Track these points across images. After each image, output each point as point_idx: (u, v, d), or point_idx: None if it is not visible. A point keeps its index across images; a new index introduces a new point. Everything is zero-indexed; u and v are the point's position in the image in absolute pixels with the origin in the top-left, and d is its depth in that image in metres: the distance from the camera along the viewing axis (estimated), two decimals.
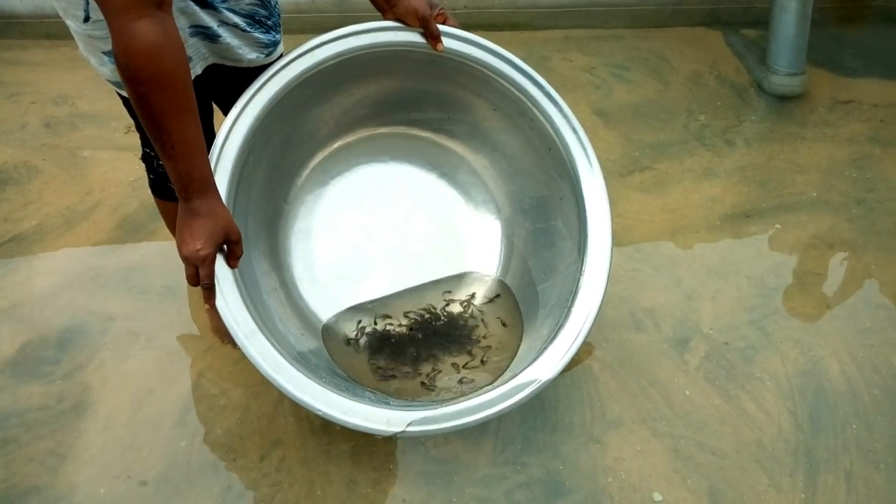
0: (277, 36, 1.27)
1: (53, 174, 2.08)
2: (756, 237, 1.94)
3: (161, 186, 1.44)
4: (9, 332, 1.64)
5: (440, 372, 1.41)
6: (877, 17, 2.95)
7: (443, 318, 1.50)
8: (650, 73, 2.58)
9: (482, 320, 1.50)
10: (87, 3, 1.07)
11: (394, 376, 1.40)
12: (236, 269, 1.16)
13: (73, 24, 1.11)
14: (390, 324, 1.48)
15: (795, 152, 2.23)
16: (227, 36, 1.18)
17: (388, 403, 1.24)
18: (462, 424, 1.17)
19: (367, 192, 1.55)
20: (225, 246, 1.12)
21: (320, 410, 1.13)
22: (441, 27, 1.33)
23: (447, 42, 1.34)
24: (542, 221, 1.50)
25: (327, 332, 1.44)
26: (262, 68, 1.26)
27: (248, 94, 1.24)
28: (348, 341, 1.45)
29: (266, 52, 1.26)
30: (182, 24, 1.12)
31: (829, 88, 2.51)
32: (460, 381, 1.38)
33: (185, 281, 1.09)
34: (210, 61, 1.22)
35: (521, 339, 1.41)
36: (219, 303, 1.13)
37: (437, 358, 1.44)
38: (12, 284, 1.75)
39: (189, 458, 1.40)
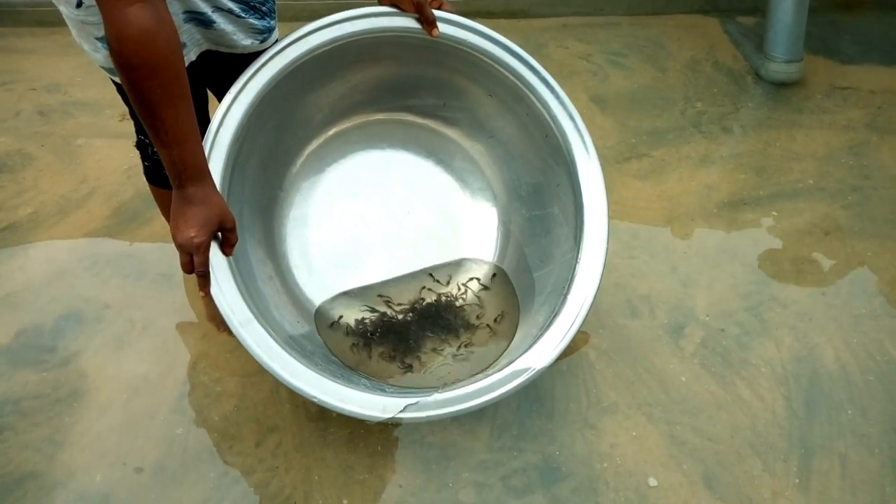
0: (272, 22, 1.26)
1: (48, 162, 2.07)
2: (752, 224, 1.94)
3: (156, 174, 1.44)
4: (4, 319, 1.63)
5: (436, 359, 1.41)
6: (874, 3, 2.93)
7: (439, 304, 1.50)
8: (647, 61, 2.57)
9: (478, 307, 1.50)
10: None
11: (389, 363, 1.40)
12: (231, 257, 1.16)
13: (66, 10, 1.10)
14: (386, 310, 1.48)
15: (792, 139, 2.23)
16: (221, 22, 1.18)
17: (383, 390, 1.24)
18: (458, 410, 1.17)
19: (362, 179, 1.54)
20: (219, 233, 1.11)
21: (316, 397, 1.13)
22: (436, 12, 1.32)
23: (442, 27, 1.33)
24: (539, 208, 1.49)
25: (322, 319, 1.44)
26: (256, 55, 1.25)
27: (241, 80, 1.24)
28: (343, 328, 1.45)
29: (261, 38, 1.25)
30: (175, 9, 1.11)
31: (827, 75, 2.50)
32: (456, 368, 1.38)
33: (180, 269, 1.09)
34: (204, 47, 1.21)
35: (517, 327, 1.41)
36: (213, 290, 1.13)
37: (432, 345, 1.44)
38: (7, 272, 1.75)
39: (185, 444, 1.41)
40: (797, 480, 1.39)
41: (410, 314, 1.48)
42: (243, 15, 1.19)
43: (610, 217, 1.35)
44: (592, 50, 2.62)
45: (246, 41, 1.23)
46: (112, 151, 2.10)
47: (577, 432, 1.45)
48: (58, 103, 2.30)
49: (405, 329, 1.46)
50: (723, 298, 1.74)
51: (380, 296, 1.50)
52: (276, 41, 1.27)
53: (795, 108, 2.36)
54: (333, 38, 1.29)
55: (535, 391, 1.51)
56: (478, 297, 1.52)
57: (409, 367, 1.40)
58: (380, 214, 1.54)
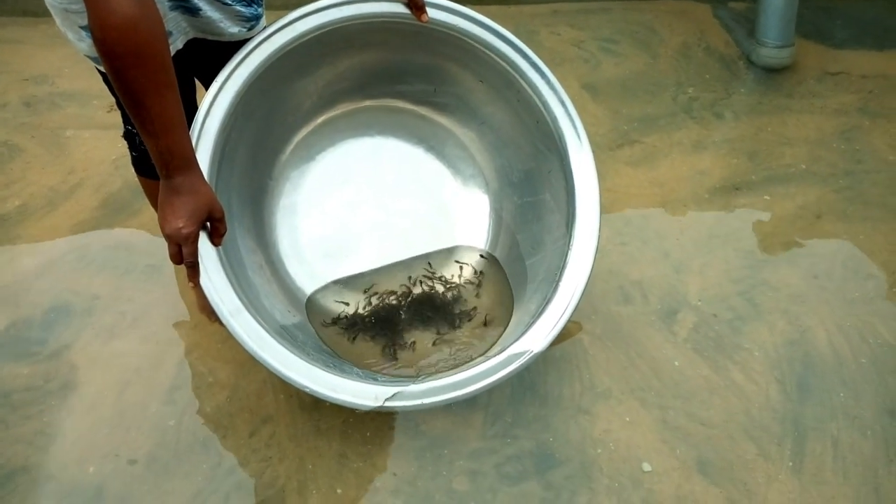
0: (259, 9, 1.25)
1: (36, 154, 2.05)
2: (744, 209, 1.94)
3: (144, 164, 1.42)
4: None
5: (428, 347, 1.41)
6: None
7: (430, 293, 1.49)
8: (639, 47, 2.55)
9: (470, 295, 1.50)
10: None
11: (381, 351, 1.39)
12: (220, 247, 1.15)
13: None
14: (377, 299, 1.48)
15: (784, 124, 2.23)
16: (207, 9, 1.16)
17: (375, 379, 1.24)
18: (451, 398, 1.17)
19: (352, 167, 1.53)
20: (208, 223, 1.10)
21: (308, 387, 1.13)
22: None
23: (432, 13, 1.32)
24: (531, 195, 1.49)
25: (313, 309, 1.43)
26: (243, 42, 1.23)
27: (228, 68, 1.22)
28: (335, 317, 1.44)
29: (248, 25, 1.23)
30: None
31: (818, 60, 2.50)
32: (449, 356, 1.37)
33: (169, 259, 1.08)
34: (191, 35, 1.20)
35: (510, 314, 1.40)
36: (203, 281, 1.12)
37: (424, 333, 1.44)
38: None
39: (178, 436, 1.40)
40: (791, 463, 1.39)
41: (402, 303, 1.48)
42: (230, 2, 1.17)
43: (602, 204, 1.34)
44: (584, 36, 2.60)
45: (233, 29, 1.21)
46: (100, 142, 2.08)
47: (571, 418, 1.45)
48: (45, 94, 2.28)
49: (397, 318, 1.45)
50: (715, 283, 1.74)
51: (371, 285, 1.50)
52: (264, 28, 1.25)
53: (787, 93, 2.36)
54: (321, 25, 1.27)
55: (529, 378, 1.51)
56: (470, 285, 1.51)
57: (401, 356, 1.40)
58: (370, 202, 1.53)
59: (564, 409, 1.47)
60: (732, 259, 1.80)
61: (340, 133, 1.53)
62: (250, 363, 1.50)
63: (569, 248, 1.30)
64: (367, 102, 1.53)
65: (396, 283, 1.50)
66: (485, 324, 1.43)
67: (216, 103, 1.21)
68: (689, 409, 1.48)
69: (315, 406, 1.45)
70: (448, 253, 1.55)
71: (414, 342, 1.42)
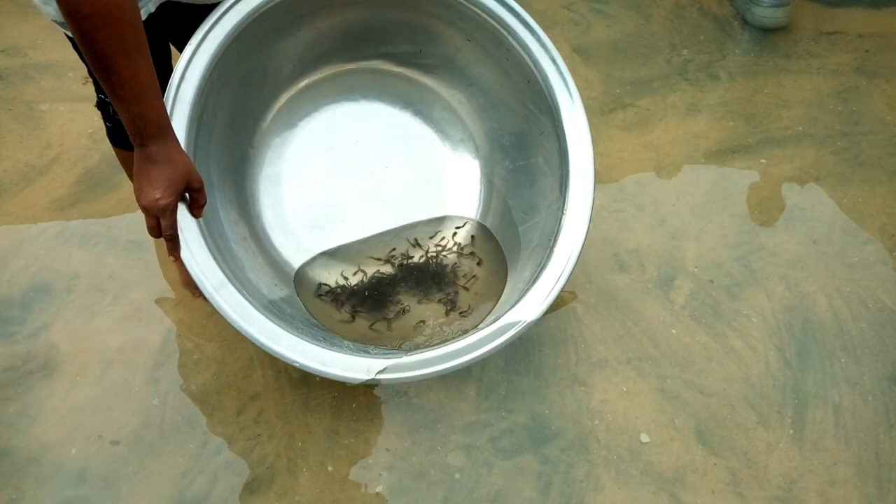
0: None
1: (10, 128, 1.98)
2: (741, 173, 1.89)
3: (119, 135, 1.36)
4: None
5: (420, 318, 1.37)
6: None
7: (421, 263, 1.45)
8: (630, 7, 2.48)
9: (463, 264, 1.45)
10: None
11: (372, 323, 1.35)
12: (201, 219, 1.11)
13: None
14: (367, 270, 1.44)
15: (780, 86, 2.18)
16: None
17: (366, 352, 1.19)
18: (444, 369, 1.13)
19: (337, 133, 1.48)
20: (187, 194, 1.06)
21: (297, 361, 1.09)
22: None
23: None
24: (522, 159, 1.44)
25: (300, 281, 1.39)
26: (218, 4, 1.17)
27: (202, 29, 1.16)
28: (322, 289, 1.40)
29: None
30: None
31: (814, 19, 2.44)
32: (441, 326, 1.34)
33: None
34: None
35: (503, 283, 1.36)
36: (184, 254, 1.08)
37: (416, 303, 1.40)
38: None
39: (162, 415, 1.36)
40: (791, 431, 1.37)
41: (392, 273, 1.44)
42: None
43: (596, 169, 1.29)
44: None
45: None
46: (76, 115, 2.01)
47: (567, 389, 1.42)
48: (17, 66, 2.20)
49: (387, 289, 1.41)
50: (712, 249, 1.70)
51: (360, 255, 1.45)
52: None
53: (783, 53, 2.30)
54: None
55: (523, 348, 1.48)
56: (462, 254, 1.47)
57: (394, 327, 1.36)
58: (356, 170, 1.48)
59: (560, 381, 1.43)
60: (729, 224, 1.76)
61: (323, 98, 1.47)
62: (236, 339, 1.46)
63: (563, 212, 1.26)
64: (351, 65, 1.47)
65: (386, 253, 1.46)
66: (478, 293, 1.39)
67: (191, 67, 1.15)
68: (687, 377, 1.45)
69: (304, 381, 1.41)
70: (438, 221, 1.50)
71: (405, 313, 1.38)
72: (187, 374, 1.42)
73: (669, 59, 2.26)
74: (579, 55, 2.27)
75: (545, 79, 1.30)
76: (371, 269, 1.44)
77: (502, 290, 1.36)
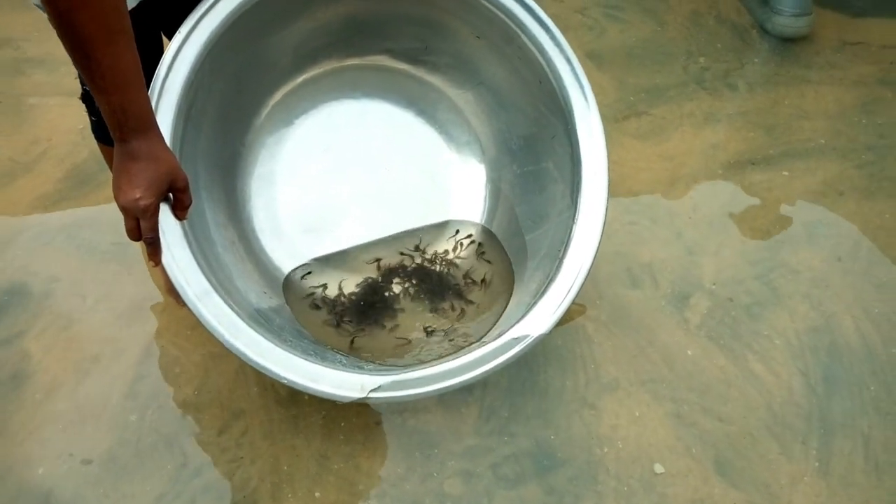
0: None
1: None
2: (761, 186, 1.81)
3: (104, 129, 1.27)
4: None
5: (419, 331, 1.29)
6: None
7: (421, 271, 1.37)
8: (645, 13, 2.41)
9: (465, 274, 1.37)
10: None
11: (367, 335, 1.27)
12: (185, 221, 1.03)
13: None
14: (363, 278, 1.36)
15: (801, 96, 2.09)
16: None
17: (360, 367, 1.13)
18: (444, 388, 1.05)
19: (336, 132, 1.40)
20: (170, 195, 0.98)
21: (285, 378, 1.02)
22: None
23: None
24: (532, 163, 1.36)
25: (292, 289, 1.31)
26: None
27: (193, 17, 1.09)
28: (316, 299, 1.32)
29: None
30: None
31: (836, 29, 2.36)
32: (442, 341, 1.25)
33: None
34: None
35: (508, 294, 1.28)
36: (165, 259, 1.00)
37: (415, 316, 1.32)
38: None
39: (139, 433, 1.27)
40: (817, 464, 1.27)
41: (390, 282, 1.36)
42: None
43: (609, 178, 1.21)
44: (588, 2, 2.45)
45: None
46: (67, 110, 1.95)
47: (574, 413, 1.33)
48: (9, 59, 2.13)
49: (385, 298, 1.34)
50: (731, 265, 1.61)
51: (356, 262, 1.37)
52: None
53: (804, 63, 2.22)
54: None
55: (528, 367, 1.39)
56: (465, 263, 1.39)
57: (389, 341, 1.28)
58: (355, 172, 1.40)
59: (567, 403, 1.34)
60: (749, 239, 1.67)
61: (322, 95, 1.39)
62: (221, 352, 1.36)
63: (574, 221, 1.17)
64: (352, 60, 1.40)
65: (384, 261, 1.38)
66: (481, 305, 1.31)
67: (180, 57, 1.08)
68: (704, 403, 1.35)
69: (293, 399, 1.32)
70: (441, 227, 1.43)
71: (403, 326, 1.30)
72: (168, 388, 1.33)
73: (686, 67, 2.18)
74: (592, 61, 2.20)
75: (558, 79, 1.22)
76: (368, 277, 1.36)
77: (507, 303, 1.28)
